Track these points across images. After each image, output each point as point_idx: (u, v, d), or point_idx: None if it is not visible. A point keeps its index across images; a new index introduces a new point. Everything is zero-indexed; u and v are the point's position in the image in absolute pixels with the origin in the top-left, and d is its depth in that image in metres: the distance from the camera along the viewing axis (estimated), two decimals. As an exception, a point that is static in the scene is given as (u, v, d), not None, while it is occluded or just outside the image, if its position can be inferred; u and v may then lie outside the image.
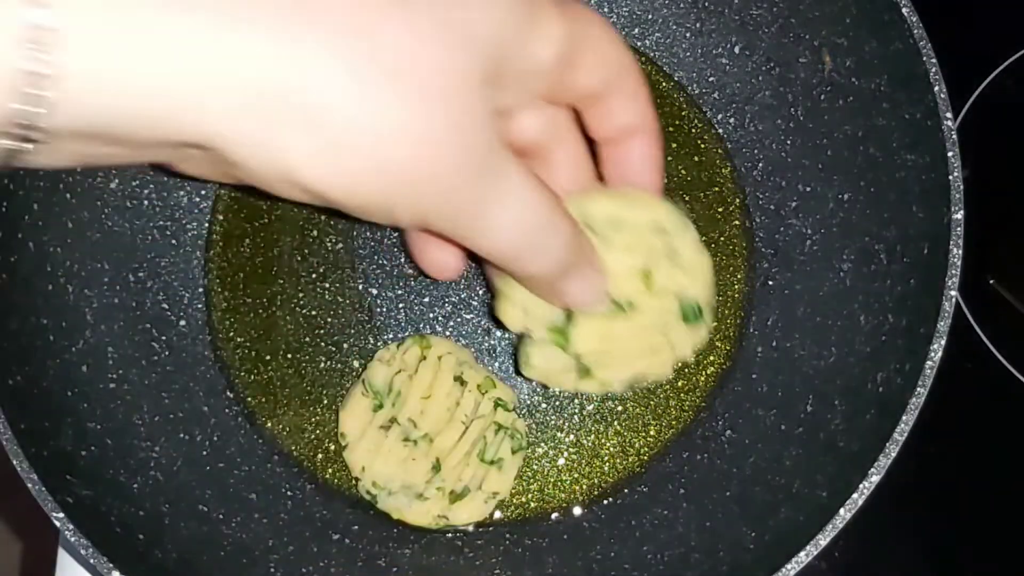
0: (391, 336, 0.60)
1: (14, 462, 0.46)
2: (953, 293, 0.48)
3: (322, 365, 0.59)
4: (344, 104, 0.29)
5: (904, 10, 0.50)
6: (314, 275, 0.60)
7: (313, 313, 0.60)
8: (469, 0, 0.32)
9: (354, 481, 0.57)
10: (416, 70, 0.30)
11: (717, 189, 0.61)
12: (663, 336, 0.50)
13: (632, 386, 0.54)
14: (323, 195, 0.31)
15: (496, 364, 0.59)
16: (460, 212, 0.34)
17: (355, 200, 0.32)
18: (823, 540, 0.46)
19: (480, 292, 0.60)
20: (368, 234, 0.61)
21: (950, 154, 0.49)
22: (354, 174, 0.31)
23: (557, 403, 0.59)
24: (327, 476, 0.58)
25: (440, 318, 0.60)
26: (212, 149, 0.30)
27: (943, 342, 0.48)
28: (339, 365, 0.59)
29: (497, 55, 0.33)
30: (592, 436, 0.58)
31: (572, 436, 0.58)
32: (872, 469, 0.47)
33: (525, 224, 0.36)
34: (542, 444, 0.58)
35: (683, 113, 0.62)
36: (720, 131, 0.62)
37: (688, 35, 0.63)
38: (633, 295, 0.48)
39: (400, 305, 0.60)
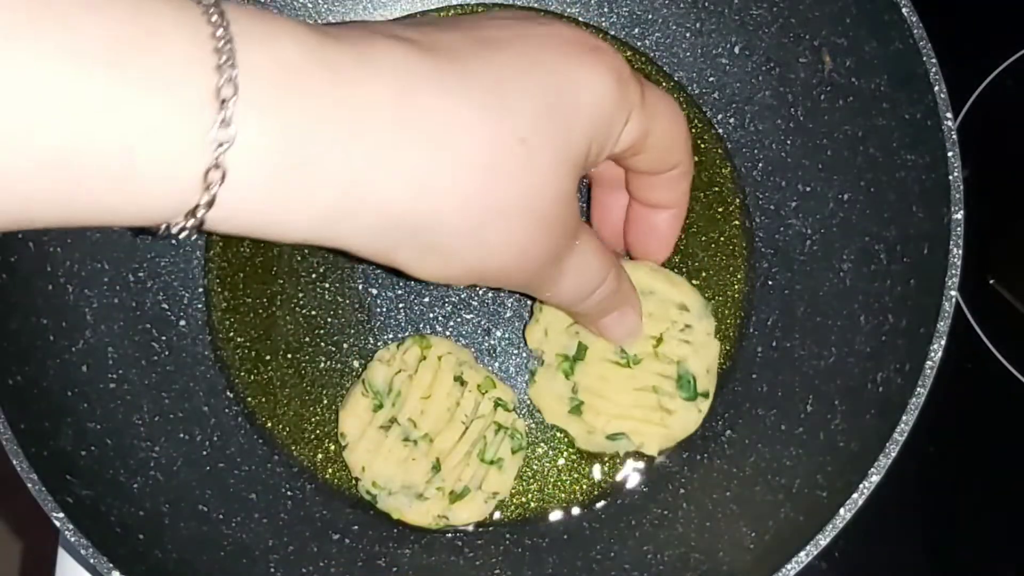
0: (391, 336, 0.60)
1: (14, 462, 0.46)
2: (953, 293, 0.48)
3: (322, 365, 0.59)
4: (458, 236, 0.35)
5: (904, 10, 0.50)
6: (314, 275, 0.60)
7: (313, 313, 0.60)
8: (576, 121, 0.37)
9: (354, 481, 0.57)
10: (527, 203, 0.36)
11: (717, 189, 0.61)
12: (656, 402, 0.53)
13: (610, 452, 0.56)
14: (422, 278, 0.38)
15: (496, 364, 0.59)
16: (540, 284, 0.42)
17: (450, 282, 0.39)
18: (823, 540, 0.46)
19: (480, 292, 0.60)
20: (368, 234, 0.61)
21: (950, 154, 0.49)
22: (457, 276, 0.37)
23: (557, 403, 0.59)
24: (327, 476, 0.58)
25: (440, 318, 0.60)
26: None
27: (943, 342, 0.48)
28: (339, 365, 0.59)
29: (593, 141, 0.38)
30: (592, 436, 0.58)
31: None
32: (872, 469, 0.47)
33: (587, 283, 0.45)
34: (542, 444, 0.58)
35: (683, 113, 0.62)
36: (720, 131, 0.62)
37: (688, 35, 0.63)
38: (641, 353, 0.55)
39: (400, 305, 0.60)
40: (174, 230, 0.30)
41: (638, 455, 0.57)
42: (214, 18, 0.29)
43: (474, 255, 0.36)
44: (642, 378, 0.56)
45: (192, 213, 0.30)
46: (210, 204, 0.29)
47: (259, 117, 0.29)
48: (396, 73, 0.32)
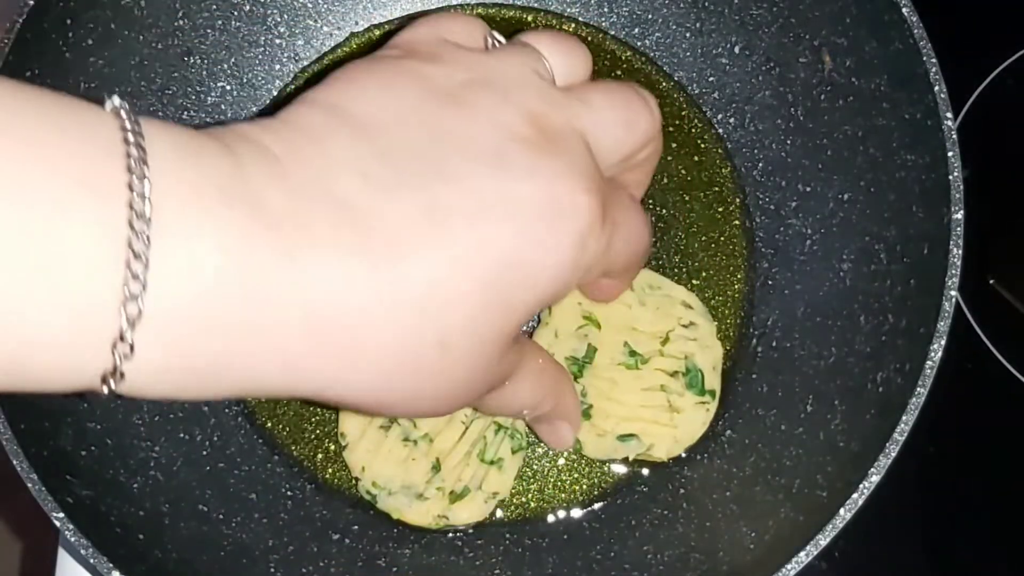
0: (391, 336, 0.59)
1: (14, 462, 0.46)
2: (953, 293, 0.48)
3: (322, 365, 0.59)
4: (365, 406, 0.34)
5: (904, 10, 0.50)
6: (314, 275, 0.60)
7: (313, 313, 0.60)
8: (524, 297, 0.34)
9: (354, 481, 0.57)
10: (439, 393, 0.35)
11: (717, 189, 0.61)
12: (666, 401, 0.53)
13: (620, 456, 0.55)
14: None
15: (496, 364, 0.59)
16: (473, 403, 0.40)
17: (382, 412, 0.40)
18: (823, 540, 0.46)
19: (480, 292, 0.60)
20: (368, 234, 0.61)
21: (950, 154, 0.49)
22: (391, 409, 0.36)
23: (557, 403, 0.59)
24: (327, 476, 0.58)
25: (440, 318, 0.60)
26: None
27: (943, 342, 0.48)
28: (339, 365, 0.59)
29: (535, 310, 0.36)
30: (592, 436, 0.58)
31: (572, 436, 0.58)
32: (872, 469, 0.47)
33: (514, 408, 0.45)
34: (542, 444, 0.58)
35: (683, 113, 0.62)
36: (720, 131, 0.62)
37: (688, 35, 0.63)
38: (648, 352, 0.56)
39: (400, 305, 0.60)
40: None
41: (628, 459, 0.57)
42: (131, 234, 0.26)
43: (387, 413, 0.38)
44: (650, 378, 0.56)
45: (104, 384, 0.28)
46: (120, 378, 0.28)
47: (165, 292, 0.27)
48: (319, 286, 0.29)
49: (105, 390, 0.28)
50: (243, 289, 0.28)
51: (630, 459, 0.56)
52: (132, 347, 0.27)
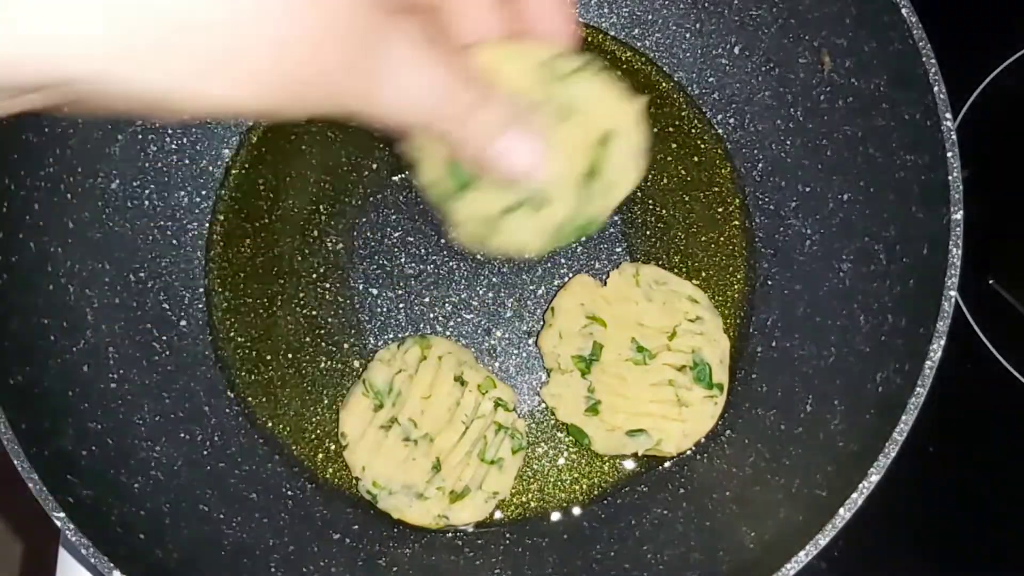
0: (391, 336, 0.60)
1: (15, 462, 0.46)
2: (953, 293, 0.48)
3: (322, 365, 0.59)
4: (225, 24, 0.29)
5: (904, 10, 0.50)
6: (314, 275, 0.60)
7: (313, 313, 0.60)
8: None
9: (354, 481, 0.57)
10: None
11: (717, 189, 0.61)
12: (674, 396, 0.54)
13: (630, 452, 0.56)
14: (226, 109, 0.31)
15: (496, 364, 0.59)
16: (359, 93, 0.33)
17: (259, 106, 0.31)
18: (823, 540, 0.46)
19: (480, 292, 0.60)
20: (368, 234, 0.61)
21: (949, 154, 0.49)
22: (252, 94, 0.30)
23: (557, 403, 0.59)
24: (327, 476, 0.58)
25: (440, 318, 0.60)
26: (97, 88, 0.28)
27: (943, 342, 0.48)
28: (339, 365, 0.59)
29: None
30: (592, 436, 0.58)
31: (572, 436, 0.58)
32: (872, 469, 0.47)
33: (422, 87, 0.35)
34: (542, 444, 0.58)
35: (683, 113, 0.63)
36: (720, 131, 0.62)
37: (688, 35, 0.63)
38: (656, 347, 0.56)
39: (400, 305, 0.60)
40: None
41: (637, 455, 0.57)
42: None
43: (266, 58, 0.30)
44: (658, 373, 0.56)
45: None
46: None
47: None
48: None
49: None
50: None
51: (639, 454, 0.56)
52: None
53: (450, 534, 0.57)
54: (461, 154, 0.40)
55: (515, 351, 0.60)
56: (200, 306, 0.60)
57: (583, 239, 0.60)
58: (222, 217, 0.61)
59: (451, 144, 0.39)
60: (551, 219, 0.43)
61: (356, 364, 0.59)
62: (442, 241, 0.61)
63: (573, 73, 0.41)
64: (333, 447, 0.58)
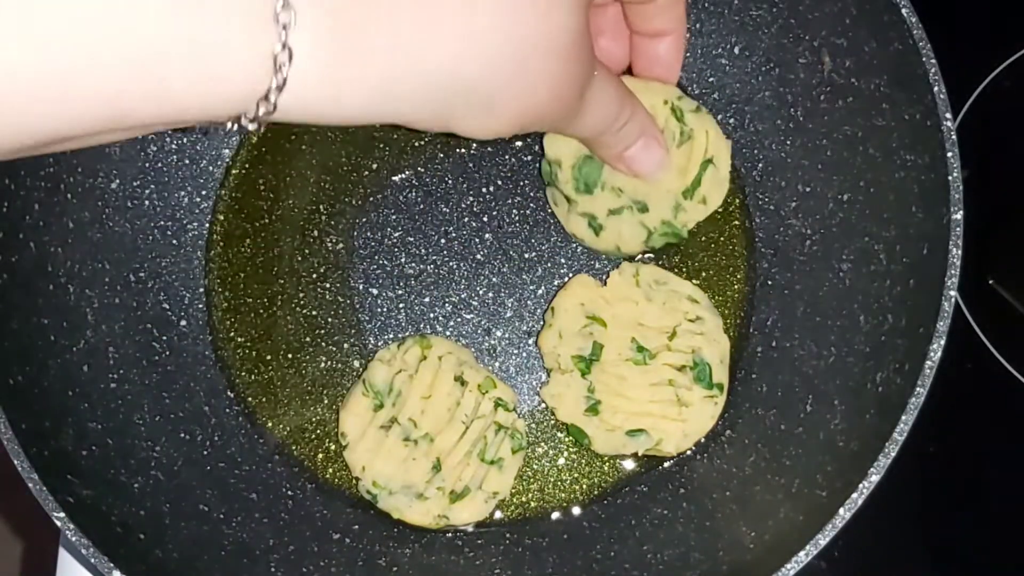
0: (391, 336, 0.60)
1: (15, 462, 0.46)
2: (953, 293, 0.48)
3: (322, 365, 0.59)
4: (502, 84, 0.38)
5: (904, 10, 0.50)
6: (314, 275, 0.60)
7: (313, 313, 0.60)
8: None
9: (354, 481, 0.57)
10: (553, 42, 0.39)
11: (717, 189, 0.61)
12: (674, 395, 0.54)
13: (630, 452, 0.56)
14: (472, 137, 0.41)
15: (496, 364, 0.59)
16: (571, 118, 0.45)
17: (500, 134, 0.42)
18: (823, 540, 0.47)
19: (480, 292, 0.60)
20: (368, 234, 0.61)
21: (949, 154, 0.49)
22: (507, 126, 0.41)
23: (557, 403, 0.59)
24: (327, 476, 0.58)
25: (440, 318, 0.60)
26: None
27: (943, 342, 0.48)
28: (339, 365, 0.59)
29: None
30: (592, 436, 0.58)
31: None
32: (872, 469, 0.47)
33: (609, 111, 0.48)
34: (542, 444, 0.58)
35: (683, 113, 0.63)
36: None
37: (688, 35, 0.63)
38: (656, 347, 0.56)
39: (400, 305, 0.60)
40: (248, 120, 0.33)
41: (637, 455, 0.57)
42: None
43: (518, 100, 0.40)
44: (658, 373, 0.56)
45: (265, 98, 0.32)
46: (281, 87, 0.32)
47: (311, 4, 0.32)
48: None
49: (276, 85, 0.32)
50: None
51: (639, 454, 0.57)
52: (294, 15, 0.31)
53: (450, 534, 0.57)
54: (604, 153, 0.54)
55: (515, 351, 0.60)
56: (200, 306, 0.60)
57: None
58: (222, 217, 0.61)
59: (599, 145, 0.53)
60: (648, 222, 0.57)
61: (356, 364, 0.59)
62: (442, 241, 0.61)
63: (691, 111, 0.56)
64: (333, 447, 0.58)
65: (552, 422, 0.58)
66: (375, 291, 0.60)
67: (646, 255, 0.60)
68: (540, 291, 0.60)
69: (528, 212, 0.61)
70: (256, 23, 0.31)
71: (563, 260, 0.60)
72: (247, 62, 0.31)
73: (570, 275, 0.60)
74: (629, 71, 0.56)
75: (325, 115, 0.35)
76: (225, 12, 0.30)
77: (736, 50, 0.61)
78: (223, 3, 0.30)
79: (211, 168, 0.62)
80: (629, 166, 0.54)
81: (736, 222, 0.61)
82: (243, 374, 0.59)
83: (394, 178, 0.62)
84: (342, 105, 0.35)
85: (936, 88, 0.50)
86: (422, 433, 0.56)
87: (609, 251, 0.58)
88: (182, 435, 0.56)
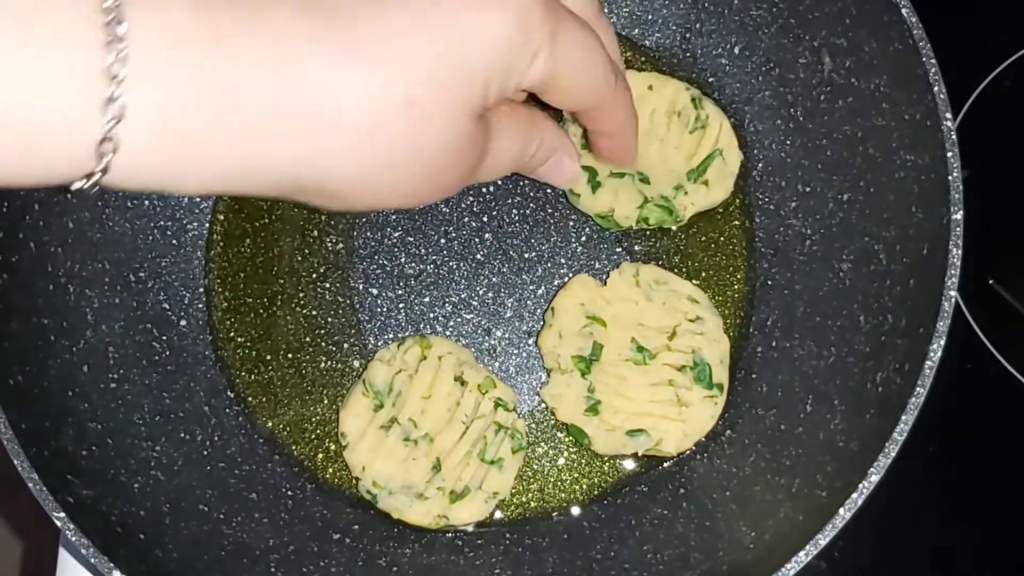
0: (391, 336, 0.60)
1: (15, 462, 0.46)
2: (953, 293, 0.48)
3: (322, 365, 0.59)
4: (348, 189, 0.36)
5: (904, 10, 0.50)
6: (314, 275, 0.60)
7: (313, 313, 0.60)
8: (473, 67, 0.37)
9: (354, 481, 0.57)
10: (415, 159, 0.37)
11: (717, 189, 0.61)
12: (674, 396, 0.54)
13: (630, 452, 0.56)
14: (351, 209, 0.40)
15: (496, 364, 0.59)
16: (466, 181, 0.42)
17: (379, 207, 0.41)
18: (823, 540, 0.47)
19: (480, 292, 0.60)
20: (368, 234, 0.61)
21: (949, 154, 0.49)
22: (358, 211, 0.40)
23: (557, 403, 0.59)
24: (327, 476, 0.58)
25: (440, 318, 0.60)
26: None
27: (943, 342, 0.48)
28: (339, 365, 0.59)
29: (491, 83, 0.38)
30: (592, 436, 0.58)
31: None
32: (872, 469, 0.47)
33: (513, 155, 0.45)
34: (542, 444, 0.58)
35: (683, 113, 0.62)
36: (720, 131, 0.62)
37: (688, 35, 0.63)
38: (656, 347, 0.56)
39: (400, 305, 0.60)
40: (73, 189, 0.32)
41: (637, 455, 0.57)
42: None
43: (368, 200, 0.38)
44: (658, 372, 0.56)
45: (89, 178, 0.32)
46: (104, 171, 0.31)
47: (148, 92, 0.31)
48: (280, 42, 0.33)
49: (99, 168, 0.31)
50: (219, 81, 0.32)
51: (639, 454, 0.56)
52: (124, 109, 0.30)
53: (450, 534, 0.57)
54: (517, 171, 0.49)
55: (515, 351, 0.60)
56: (200, 306, 0.60)
57: (582, 239, 0.60)
58: (222, 217, 0.61)
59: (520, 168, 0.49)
60: (647, 192, 0.58)
61: (356, 364, 0.59)
62: (442, 241, 0.61)
63: (711, 103, 0.59)
64: (333, 447, 0.58)
65: (552, 422, 0.58)
66: (375, 291, 0.60)
67: (645, 257, 0.60)
68: (540, 291, 0.60)
69: (528, 212, 0.61)
70: (83, 104, 0.30)
71: (563, 260, 0.60)
72: (70, 148, 0.31)
73: (570, 275, 0.60)
74: (650, 64, 0.56)
75: (159, 190, 0.35)
76: (54, 87, 0.30)
77: (736, 50, 0.61)
78: (40, 79, 0.29)
79: (211, 168, 0.62)
80: (542, 179, 0.52)
81: (736, 222, 0.61)
82: (243, 374, 0.59)
83: (394, 178, 0.61)
84: (176, 189, 0.34)
85: (936, 88, 0.50)
86: (422, 433, 0.56)
87: (602, 212, 0.59)
88: (182, 435, 0.56)
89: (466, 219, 0.61)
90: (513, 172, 0.48)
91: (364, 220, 0.61)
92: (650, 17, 0.63)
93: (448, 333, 0.60)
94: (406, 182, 0.37)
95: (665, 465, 0.58)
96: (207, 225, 0.61)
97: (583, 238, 0.61)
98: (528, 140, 0.46)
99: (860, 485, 0.47)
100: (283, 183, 0.35)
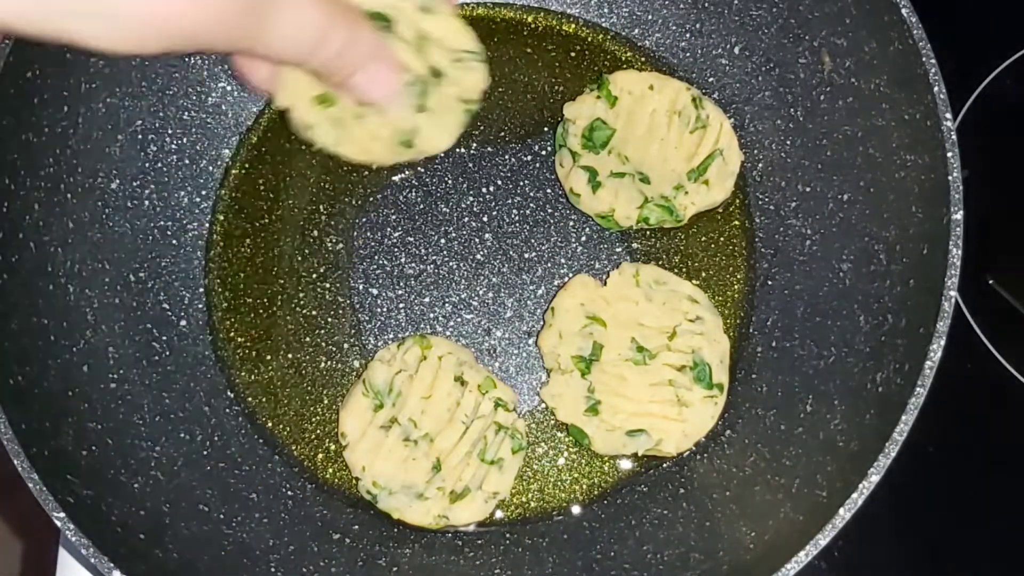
0: (391, 336, 0.60)
1: (15, 462, 0.46)
2: (952, 293, 0.48)
3: (322, 365, 0.59)
4: None
5: (904, 10, 0.50)
6: (314, 275, 0.60)
7: (313, 313, 0.60)
8: None
9: (354, 481, 0.57)
10: None
11: (717, 189, 0.61)
12: (674, 396, 0.54)
13: (630, 452, 0.56)
14: (101, 52, 0.36)
15: (496, 364, 0.59)
16: (244, 39, 0.39)
17: (135, 48, 0.36)
18: (823, 540, 0.46)
19: (480, 292, 0.60)
20: (368, 234, 0.61)
21: (949, 154, 0.49)
22: (137, 38, 0.35)
23: (557, 403, 0.59)
24: (327, 476, 0.58)
25: (440, 318, 0.60)
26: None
27: (943, 342, 0.48)
28: (339, 365, 0.59)
29: None
30: (592, 436, 0.58)
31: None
32: (872, 469, 0.47)
33: (306, 35, 0.41)
34: (542, 444, 0.58)
35: (683, 113, 0.63)
36: (720, 131, 0.62)
37: (688, 35, 0.63)
38: (656, 347, 0.56)
39: (400, 305, 0.60)
40: None
41: (637, 455, 0.57)
42: None
43: (145, 7, 0.34)
44: (658, 373, 0.56)
45: None
46: None
47: None
48: None
49: None
50: None
51: (639, 454, 0.56)
52: None
53: (450, 534, 0.57)
54: (328, 82, 0.46)
55: (515, 351, 0.60)
56: (200, 306, 0.60)
57: (582, 239, 0.60)
58: (222, 217, 0.61)
59: (320, 74, 0.45)
60: (647, 191, 0.58)
61: (356, 364, 0.59)
62: (442, 241, 0.61)
63: (711, 103, 0.59)
64: (333, 447, 0.58)
65: (552, 422, 0.58)
66: (375, 291, 0.60)
67: (645, 257, 0.60)
68: (540, 291, 0.60)
69: (528, 212, 0.61)
70: None
71: (563, 260, 0.60)
72: None
73: (570, 275, 0.60)
74: (650, 64, 0.56)
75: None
76: None
77: (736, 50, 0.61)
78: None
79: (211, 168, 0.62)
80: (357, 95, 0.47)
81: (736, 222, 0.61)
82: (243, 374, 0.59)
83: (394, 178, 0.62)
84: None
85: (936, 88, 0.50)
86: (422, 433, 0.56)
87: (602, 212, 0.59)
88: (182, 435, 0.56)
89: (466, 219, 0.61)
90: (321, 73, 0.44)
91: (364, 220, 0.61)
92: (650, 17, 0.63)
93: (448, 333, 0.60)
94: (122, 15, 0.34)
95: (665, 465, 0.58)
96: (207, 225, 0.61)
97: (583, 238, 0.61)
98: (326, 27, 0.42)
99: (860, 485, 0.47)
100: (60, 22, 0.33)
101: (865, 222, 0.55)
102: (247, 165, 0.62)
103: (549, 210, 0.61)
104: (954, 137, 0.49)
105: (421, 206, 0.61)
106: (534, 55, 0.64)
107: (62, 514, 0.46)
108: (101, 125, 0.56)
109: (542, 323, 0.59)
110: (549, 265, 0.60)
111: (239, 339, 0.60)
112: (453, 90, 0.52)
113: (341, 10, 0.43)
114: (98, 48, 0.35)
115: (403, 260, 0.60)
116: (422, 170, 0.61)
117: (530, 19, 0.64)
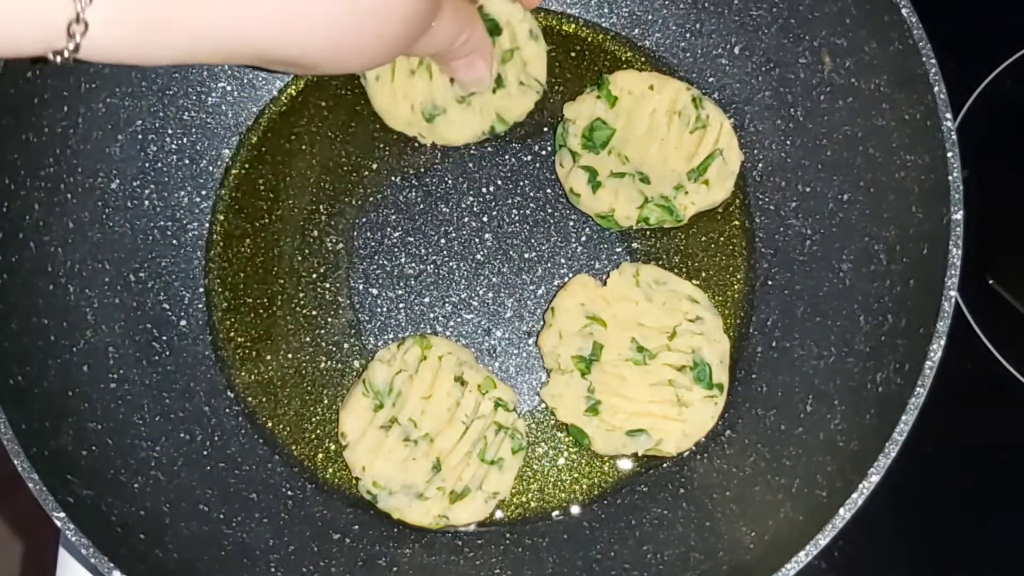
0: (391, 336, 0.60)
1: (15, 462, 0.46)
2: (953, 293, 0.48)
3: (322, 365, 0.59)
4: (319, 58, 0.40)
5: (904, 10, 0.50)
6: (314, 275, 0.60)
7: (313, 313, 0.60)
8: None
9: (354, 481, 0.57)
10: (375, 20, 0.41)
11: (717, 189, 0.61)
12: (674, 396, 0.54)
13: (630, 452, 0.56)
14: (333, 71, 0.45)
15: (496, 364, 0.59)
16: (411, 50, 0.48)
17: (337, 72, 0.46)
18: (823, 540, 0.47)
19: (480, 292, 0.60)
20: (368, 234, 0.61)
21: (949, 154, 0.49)
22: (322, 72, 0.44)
23: (557, 403, 0.59)
24: (327, 476, 0.58)
25: (440, 318, 0.60)
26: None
27: (943, 342, 0.48)
28: (339, 365, 0.59)
29: None
30: (592, 436, 0.58)
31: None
32: (872, 469, 0.47)
33: (449, 37, 0.51)
34: (542, 444, 0.58)
35: (683, 113, 0.63)
36: (720, 131, 0.62)
37: (688, 35, 0.63)
38: (656, 347, 0.56)
39: (400, 305, 0.60)
40: (49, 61, 0.35)
41: (637, 455, 0.57)
42: None
43: (345, 66, 0.42)
44: (658, 373, 0.56)
45: (60, 54, 0.35)
46: (75, 50, 0.34)
47: None
48: None
49: (70, 44, 0.34)
50: None
51: (639, 454, 0.56)
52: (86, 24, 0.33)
53: (450, 534, 0.57)
54: (436, 60, 0.57)
55: (515, 351, 0.60)
56: (200, 306, 0.60)
57: (582, 239, 0.60)
58: (222, 217, 0.61)
59: (435, 58, 0.56)
60: (647, 191, 0.59)
61: (356, 364, 0.59)
62: (442, 241, 0.61)
63: (712, 103, 0.60)
64: (333, 447, 0.58)
65: (552, 422, 0.58)
66: (375, 291, 0.60)
67: (645, 257, 0.60)
68: (540, 291, 0.60)
69: (528, 212, 0.61)
70: None
71: (563, 260, 0.60)
72: (41, 29, 0.33)
73: (570, 275, 0.60)
74: (650, 64, 0.57)
75: (130, 64, 0.37)
76: None
77: (736, 50, 0.61)
78: None
79: (211, 168, 0.62)
80: (453, 73, 0.58)
81: (736, 222, 0.61)
82: (243, 374, 0.59)
83: (394, 178, 0.62)
84: (146, 62, 0.37)
85: (936, 88, 0.50)
86: (422, 433, 0.56)
87: (602, 212, 0.59)
88: (182, 435, 0.56)
89: (466, 219, 0.61)
90: (437, 54, 0.54)
91: (364, 220, 0.61)
92: (650, 17, 0.63)
93: (448, 333, 0.60)
94: (372, 46, 0.42)
95: (665, 465, 0.58)
96: (207, 225, 0.61)
97: (583, 238, 0.61)
98: (462, 29, 0.51)
99: (860, 485, 0.47)
100: (251, 56, 0.38)
101: (865, 222, 0.55)
102: (247, 165, 0.62)
103: (549, 210, 0.61)
104: (954, 137, 0.49)
105: (421, 206, 0.61)
106: (534, 55, 0.63)
107: (62, 514, 0.46)
108: (101, 125, 0.56)
109: (542, 323, 0.59)
110: (549, 265, 0.60)
111: (239, 339, 0.60)
112: (500, 103, 0.60)
113: (468, 14, 0.52)
114: (344, 69, 0.43)
115: (403, 260, 0.60)
116: (422, 170, 0.61)
117: (530, 19, 0.64)
